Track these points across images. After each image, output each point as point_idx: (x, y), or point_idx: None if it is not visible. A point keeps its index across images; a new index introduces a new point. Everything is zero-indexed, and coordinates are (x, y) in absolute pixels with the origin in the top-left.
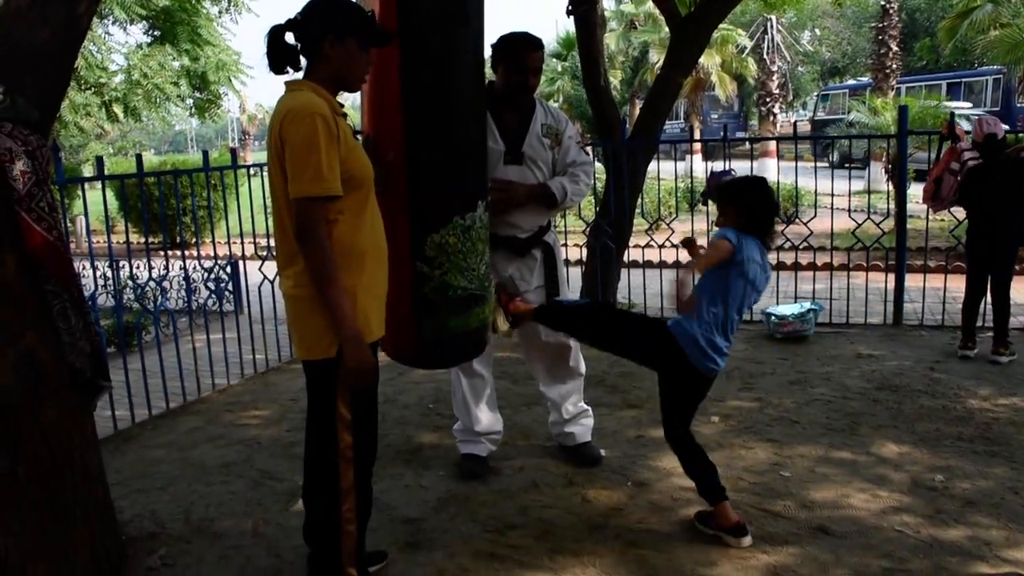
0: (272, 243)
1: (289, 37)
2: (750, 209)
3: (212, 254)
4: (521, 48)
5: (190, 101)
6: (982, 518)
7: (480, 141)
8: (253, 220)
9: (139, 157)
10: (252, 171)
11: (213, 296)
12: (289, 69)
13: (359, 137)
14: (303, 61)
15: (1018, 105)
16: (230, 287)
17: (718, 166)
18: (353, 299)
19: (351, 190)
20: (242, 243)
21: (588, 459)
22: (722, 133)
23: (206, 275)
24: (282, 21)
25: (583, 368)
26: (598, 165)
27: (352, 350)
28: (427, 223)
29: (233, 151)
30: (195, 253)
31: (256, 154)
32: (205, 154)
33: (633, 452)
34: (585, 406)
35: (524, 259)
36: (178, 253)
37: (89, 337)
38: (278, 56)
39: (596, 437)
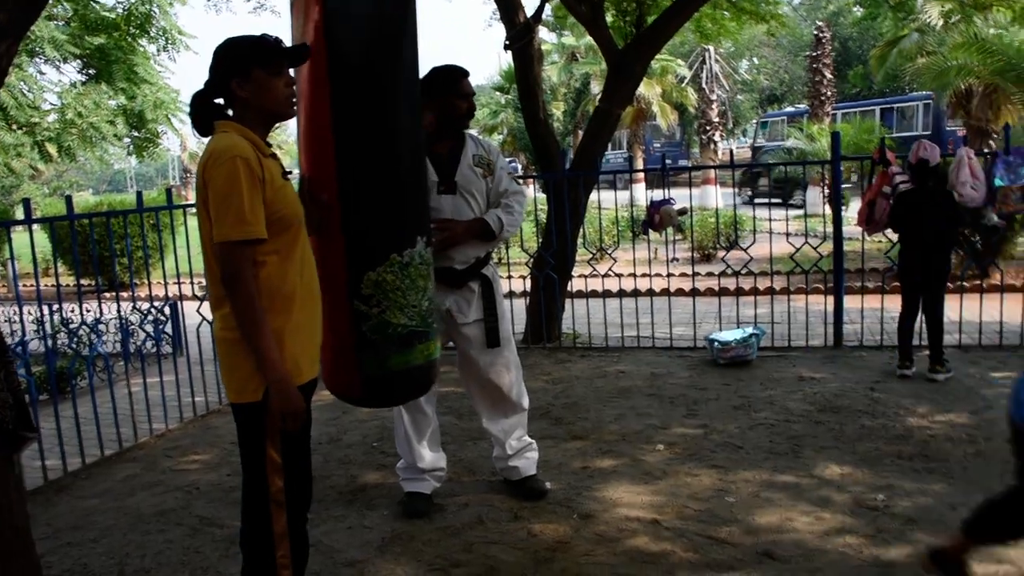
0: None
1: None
2: None
3: (149, 295)
4: (459, 77)
5: (127, 140)
6: (923, 535)
7: (418, 176)
8: (190, 260)
9: (69, 199)
10: (190, 210)
11: (151, 338)
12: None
13: (290, 177)
14: (230, 114)
15: (947, 129)
16: (168, 329)
17: (658, 195)
18: (280, 341)
19: (279, 231)
20: (179, 283)
21: (533, 493)
22: (661, 163)
23: (143, 317)
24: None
25: (526, 402)
26: (540, 196)
27: (278, 394)
28: (363, 261)
29: (169, 191)
30: (131, 295)
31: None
32: (139, 195)
33: (579, 484)
34: (529, 439)
35: (461, 291)
36: (114, 296)
37: (10, 387)
38: (203, 119)
39: (541, 470)
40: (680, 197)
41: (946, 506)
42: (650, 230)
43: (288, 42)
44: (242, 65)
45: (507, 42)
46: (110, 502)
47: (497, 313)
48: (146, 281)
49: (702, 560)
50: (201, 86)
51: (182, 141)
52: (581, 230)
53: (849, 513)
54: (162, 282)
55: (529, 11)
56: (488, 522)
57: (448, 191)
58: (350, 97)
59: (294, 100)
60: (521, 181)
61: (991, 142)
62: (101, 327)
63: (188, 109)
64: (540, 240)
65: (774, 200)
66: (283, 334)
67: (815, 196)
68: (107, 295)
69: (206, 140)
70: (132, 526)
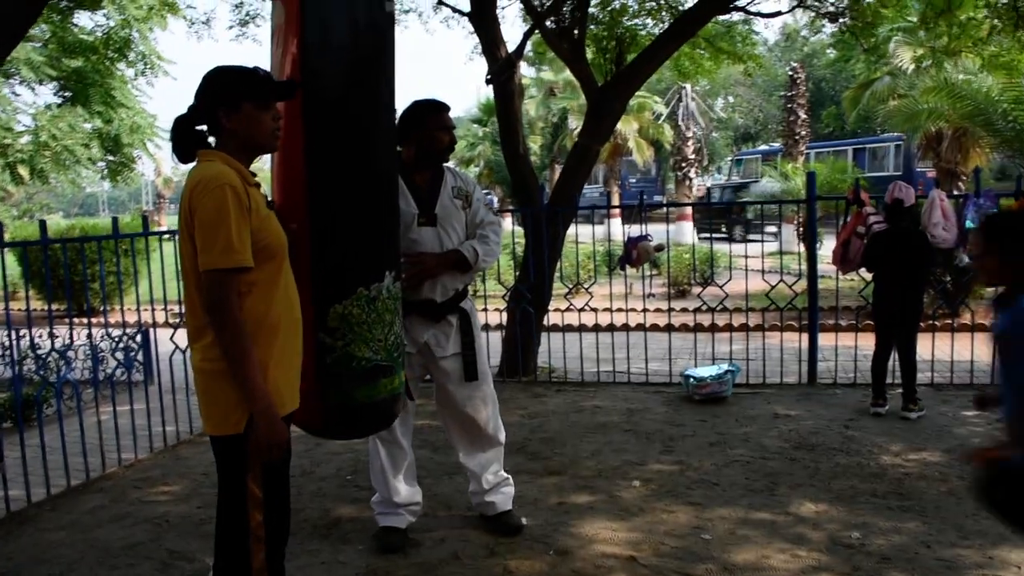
0: (163, 309)
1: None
2: None
3: (122, 322)
4: (439, 110)
5: (102, 164)
6: (898, 574)
7: (389, 210)
8: (164, 287)
9: (43, 224)
10: (165, 236)
11: (122, 366)
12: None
13: (272, 207)
14: (212, 141)
15: (918, 169)
16: (140, 356)
17: (635, 231)
18: (265, 372)
19: (264, 261)
20: (152, 310)
21: (509, 528)
22: (639, 199)
23: (115, 344)
24: (184, 111)
25: (503, 436)
26: (518, 229)
27: (264, 425)
28: (330, 293)
29: (144, 216)
30: (102, 321)
31: (171, 217)
32: (115, 220)
33: (555, 520)
34: (505, 475)
35: (440, 325)
36: (84, 321)
37: None
38: (184, 145)
39: (517, 505)
40: (656, 233)
41: (920, 544)
42: (627, 265)
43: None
44: (232, 96)
45: (489, 76)
46: (76, 534)
47: (475, 347)
48: (118, 307)
49: None
50: (184, 111)
51: (157, 166)
52: (558, 264)
53: (825, 551)
54: (134, 308)
55: (511, 46)
56: (464, 558)
57: (428, 223)
58: (324, 129)
59: (279, 134)
60: (499, 214)
61: (960, 184)
62: (71, 353)
63: (167, 134)
64: (517, 273)
65: (750, 237)
66: (267, 365)
67: (789, 234)
68: (77, 321)
69: (185, 167)
70: (99, 560)
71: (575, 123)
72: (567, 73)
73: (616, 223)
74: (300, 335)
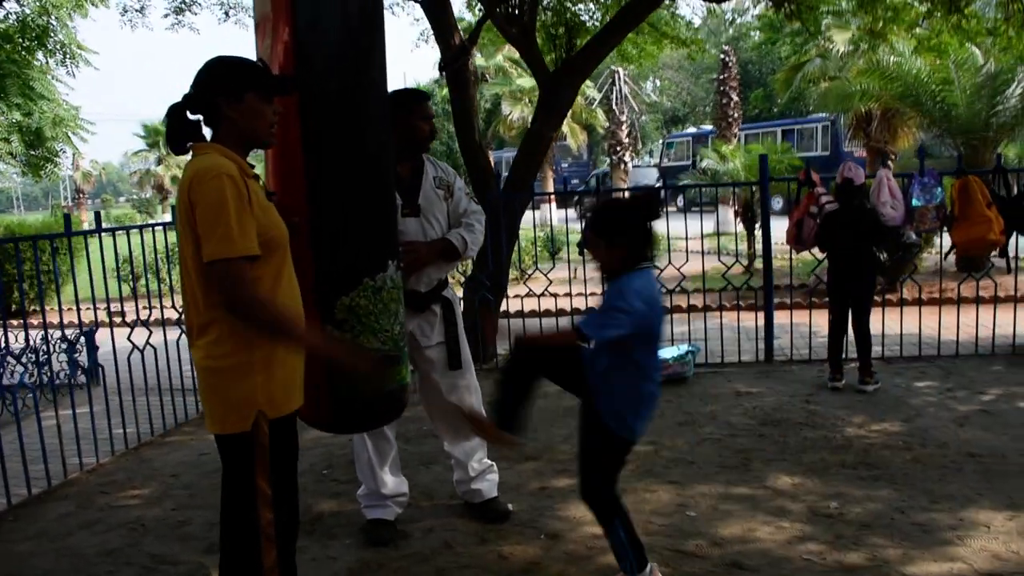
0: (119, 307)
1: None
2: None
3: (74, 322)
4: (419, 100)
5: (22, 158)
6: (878, 539)
7: (387, 199)
8: (106, 285)
9: None
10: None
11: (65, 369)
12: (191, 144)
13: (273, 199)
14: (207, 133)
15: (845, 150)
16: (83, 358)
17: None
18: (270, 368)
19: (268, 254)
20: (96, 309)
21: (497, 515)
22: (597, 185)
23: (57, 346)
24: (179, 99)
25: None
26: None
27: (347, 360)
28: (336, 286)
29: (67, 216)
30: (36, 323)
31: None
32: (67, 217)
33: (540, 504)
34: (489, 462)
35: (424, 315)
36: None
37: None
38: (178, 135)
39: (500, 492)
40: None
41: (895, 511)
42: (586, 250)
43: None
44: (236, 86)
45: (442, 63)
46: (46, 544)
47: (458, 336)
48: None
49: (675, 573)
50: (179, 99)
51: (75, 160)
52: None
53: (806, 521)
54: (69, 309)
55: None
56: (456, 546)
57: (412, 214)
58: (321, 118)
59: (276, 130)
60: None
61: (890, 163)
62: (9, 358)
63: (92, 127)
64: (472, 261)
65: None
66: (273, 361)
67: (727, 215)
68: (16, 323)
69: (180, 158)
70: (76, 568)
71: (508, 109)
72: (499, 59)
73: (552, 207)
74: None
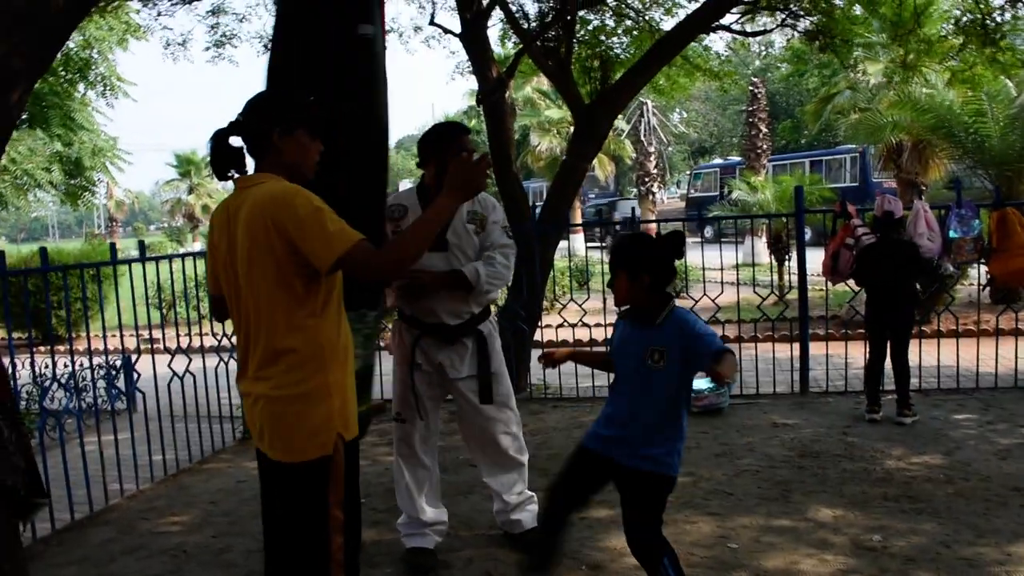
0: (155, 335)
1: (234, 140)
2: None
3: (98, 348)
4: (459, 134)
5: (61, 187)
6: (923, 573)
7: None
8: (135, 312)
9: (44, 251)
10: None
11: (107, 395)
12: (233, 172)
13: None
14: (249, 162)
15: (874, 180)
16: (121, 384)
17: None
18: (343, 393)
19: (331, 285)
20: (134, 336)
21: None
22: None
23: (98, 372)
24: (224, 125)
25: (525, 457)
26: None
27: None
28: None
29: (112, 245)
30: (80, 349)
31: (125, 241)
32: (112, 247)
33: (579, 535)
34: (530, 493)
35: (454, 347)
36: (63, 349)
37: (22, 451)
38: (223, 160)
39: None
40: None
41: (940, 544)
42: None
43: None
44: (290, 121)
45: (479, 95)
46: (91, 569)
47: (491, 369)
48: (83, 335)
49: None
50: (224, 127)
51: (108, 189)
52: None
53: (850, 554)
54: (100, 336)
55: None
56: None
57: (438, 248)
58: None
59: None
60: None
61: (920, 193)
62: (48, 383)
63: (129, 156)
64: (506, 291)
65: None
66: (344, 387)
67: (759, 247)
68: (61, 349)
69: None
70: None
71: (536, 140)
72: (527, 90)
73: (579, 238)
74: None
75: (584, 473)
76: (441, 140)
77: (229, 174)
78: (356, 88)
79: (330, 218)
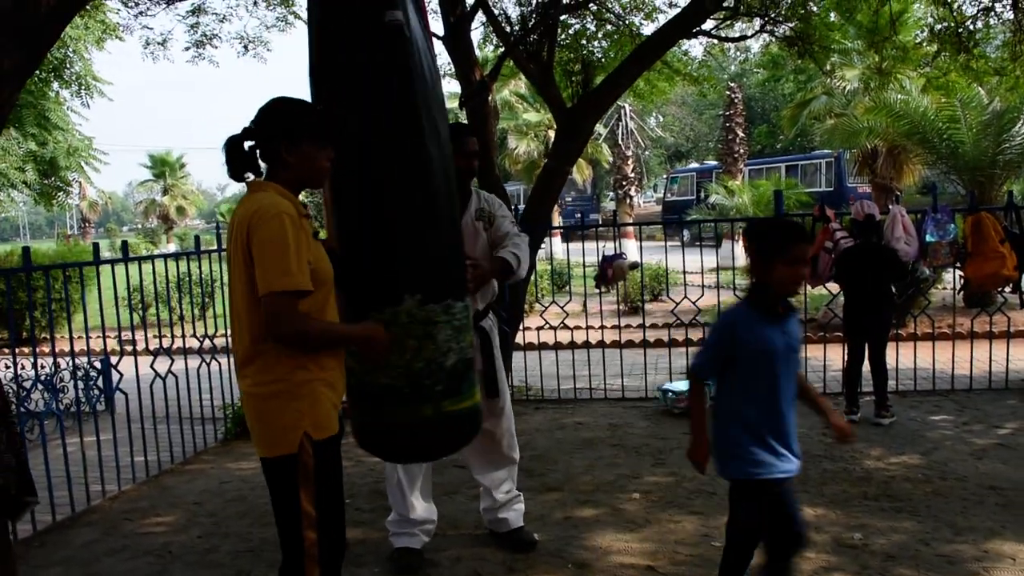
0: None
1: (247, 144)
2: None
3: (76, 350)
4: (463, 135)
5: (36, 187)
6: (904, 570)
7: (411, 234)
8: (118, 313)
9: (27, 251)
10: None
11: (86, 396)
12: (249, 175)
13: (317, 236)
14: (262, 165)
15: (849, 185)
16: (100, 385)
17: (609, 250)
18: (316, 394)
19: (316, 288)
20: (115, 337)
21: (524, 544)
22: (613, 218)
23: (76, 373)
24: (238, 130)
25: (517, 454)
26: None
27: (368, 342)
28: (346, 317)
29: (95, 244)
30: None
31: (99, 241)
32: (96, 246)
33: (565, 534)
34: (517, 492)
35: None
36: (45, 351)
37: (13, 450)
38: (237, 164)
39: (525, 522)
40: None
41: (919, 542)
42: (604, 284)
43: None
44: (295, 132)
45: (463, 99)
46: (75, 570)
47: (495, 364)
48: (63, 336)
49: None
50: (238, 132)
51: (82, 189)
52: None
53: (832, 552)
54: (79, 337)
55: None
56: None
57: None
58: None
59: (329, 173)
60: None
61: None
62: (26, 384)
63: (105, 156)
64: None
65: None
66: (318, 387)
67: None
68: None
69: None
70: None
71: (515, 143)
72: (505, 93)
73: (556, 241)
74: (342, 362)
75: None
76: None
77: (245, 176)
78: (391, 78)
79: (287, 255)
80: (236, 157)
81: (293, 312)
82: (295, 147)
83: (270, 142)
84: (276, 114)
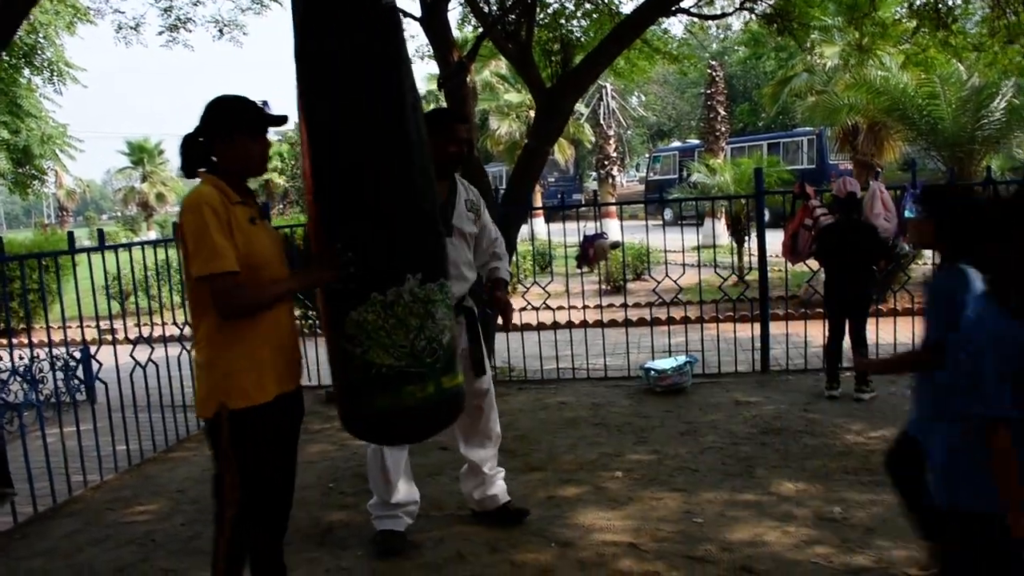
0: (115, 325)
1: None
2: None
3: (57, 340)
4: (451, 121)
5: (10, 176)
6: (884, 542)
7: (409, 212)
8: (95, 302)
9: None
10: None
11: (66, 386)
12: (205, 170)
13: (258, 222)
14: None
15: (831, 162)
16: (80, 375)
17: (591, 229)
18: (228, 368)
19: (253, 271)
20: (83, 326)
21: (518, 514)
22: (594, 198)
23: (56, 364)
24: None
25: (499, 431)
26: None
27: (311, 280)
28: (343, 301)
29: (71, 234)
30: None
31: (78, 229)
32: (71, 235)
33: (548, 513)
34: (499, 468)
35: None
36: (22, 342)
37: None
38: (191, 161)
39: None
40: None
41: (898, 515)
42: (585, 264)
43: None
44: (226, 128)
45: (441, 79)
46: (56, 561)
47: (482, 342)
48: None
49: None
50: (191, 131)
51: (58, 178)
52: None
53: (813, 526)
54: (57, 327)
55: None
56: (468, 556)
57: (447, 234)
58: (318, 134)
59: (267, 160)
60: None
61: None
62: (3, 375)
63: (80, 144)
64: None
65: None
66: (233, 363)
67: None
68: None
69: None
70: None
71: (496, 124)
72: (486, 74)
73: (539, 221)
74: (287, 332)
75: None
76: (433, 127)
77: (199, 173)
78: (388, 64)
79: (209, 241)
80: (190, 155)
81: (233, 288)
82: (229, 140)
83: (208, 137)
84: (212, 112)
